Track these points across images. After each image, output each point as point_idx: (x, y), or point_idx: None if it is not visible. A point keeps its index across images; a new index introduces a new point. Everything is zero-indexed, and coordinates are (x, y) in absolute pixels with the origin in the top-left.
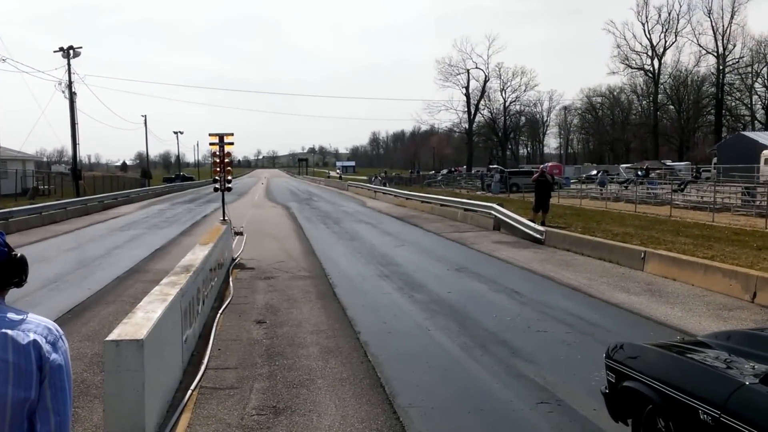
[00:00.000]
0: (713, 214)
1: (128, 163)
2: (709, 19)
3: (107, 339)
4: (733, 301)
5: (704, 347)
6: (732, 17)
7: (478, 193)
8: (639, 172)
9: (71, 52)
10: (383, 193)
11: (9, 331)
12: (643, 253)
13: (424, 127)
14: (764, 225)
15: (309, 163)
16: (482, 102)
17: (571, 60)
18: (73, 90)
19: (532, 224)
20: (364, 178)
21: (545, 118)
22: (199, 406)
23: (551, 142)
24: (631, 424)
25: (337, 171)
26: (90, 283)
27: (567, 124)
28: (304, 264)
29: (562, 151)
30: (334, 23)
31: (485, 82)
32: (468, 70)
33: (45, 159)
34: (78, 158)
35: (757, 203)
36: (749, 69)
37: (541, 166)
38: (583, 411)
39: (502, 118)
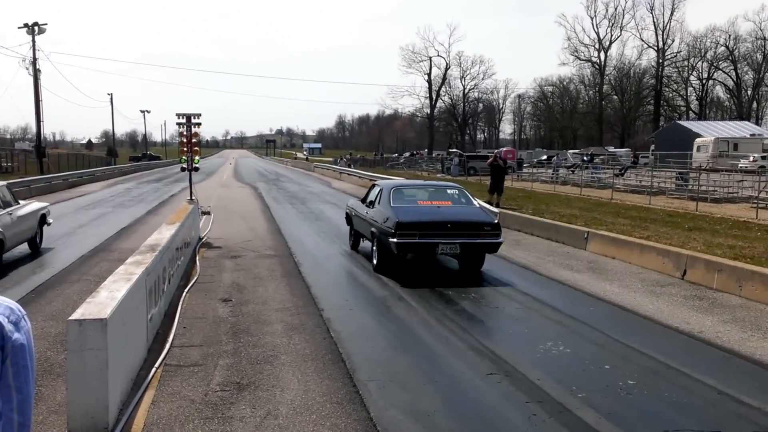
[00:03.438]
0: (650, 198)
1: (94, 141)
2: (651, 14)
3: (70, 318)
4: (665, 278)
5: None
6: (672, 14)
7: (438, 175)
8: (584, 158)
9: (36, 28)
10: (348, 174)
11: None
12: (586, 234)
13: (388, 112)
14: (695, 208)
15: (277, 145)
16: (443, 89)
17: (526, 51)
18: (37, 67)
19: (487, 206)
20: (330, 159)
21: (501, 106)
22: (163, 383)
23: (506, 128)
24: (349, 229)
25: (304, 152)
26: (54, 261)
27: (521, 112)
28: (270, 243)
29: (515, 137)
30: (305, 6)
31: (446, 69)
32: (430, 58)
33: (8, 136)
34: (42, 135)
35: (690, 187)
36: (686, 63)
37: (496, 151)
38: (528, 380)
39: (462, 104)
